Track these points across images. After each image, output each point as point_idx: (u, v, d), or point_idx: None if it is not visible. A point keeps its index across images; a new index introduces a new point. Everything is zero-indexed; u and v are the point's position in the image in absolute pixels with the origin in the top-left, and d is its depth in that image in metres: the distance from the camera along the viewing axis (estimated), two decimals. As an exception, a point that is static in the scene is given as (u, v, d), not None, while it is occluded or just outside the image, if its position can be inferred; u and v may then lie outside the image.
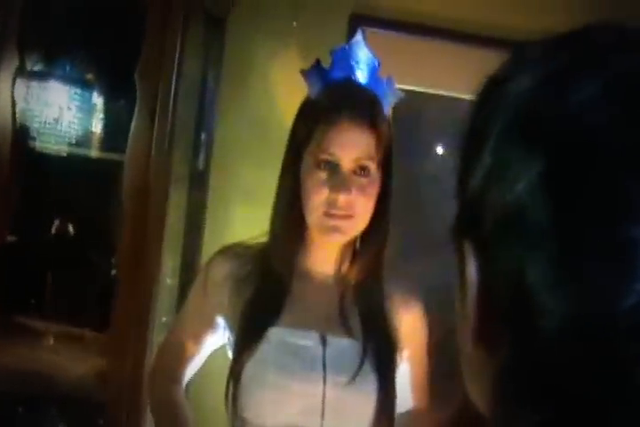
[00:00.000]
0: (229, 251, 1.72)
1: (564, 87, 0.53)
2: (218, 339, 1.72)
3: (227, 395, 1.60)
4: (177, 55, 2.20)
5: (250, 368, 1.57)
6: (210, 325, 1.70)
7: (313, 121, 1.58)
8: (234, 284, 1.66)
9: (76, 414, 2.31)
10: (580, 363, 0.51)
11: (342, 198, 1.55)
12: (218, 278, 1.68)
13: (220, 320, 1.68)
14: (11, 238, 2.54)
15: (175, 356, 1.77)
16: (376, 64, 1.66)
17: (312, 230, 1.64)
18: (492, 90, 0.58)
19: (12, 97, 2.35)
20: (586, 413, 0.51)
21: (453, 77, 2.66)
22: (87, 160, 2.51)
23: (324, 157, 1.56)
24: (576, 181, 0.50)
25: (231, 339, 1.66)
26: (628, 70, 0.53)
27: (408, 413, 1.76)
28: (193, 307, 1.76)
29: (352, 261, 1.68)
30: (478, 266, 0.57)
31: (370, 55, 1.66)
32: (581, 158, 0.50)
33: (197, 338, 1.73)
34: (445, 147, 2.91)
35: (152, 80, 2.19)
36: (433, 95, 2.74)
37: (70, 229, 2.60)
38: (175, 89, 2.21)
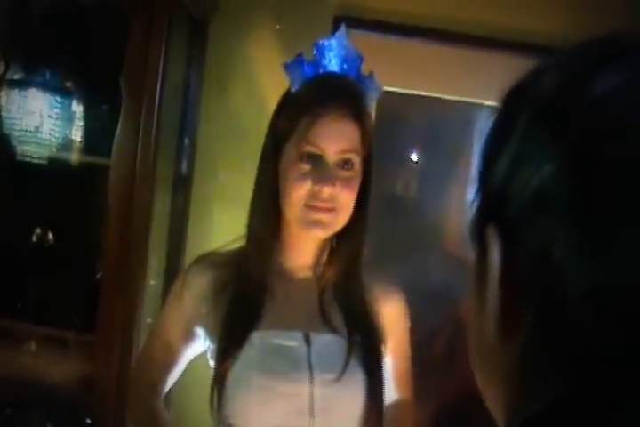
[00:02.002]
0: (204, 261, 1.70)
1: (591, 78, 0.56)
2: (197, 348, 1.70)
3: (211, 402, 1.58)
4: (162, 59, 2.21)
5: (234, 373, 1.55)
6: (188, 335, 1.68)
7: (295, 113, 1.55)
8: (212, 294, 1.64)
9: (62, 414, 2.31)
10: (605, 335, 0.53)
11: (326, 190, 1.53)
12: (195, 290, 1.66)
13: (199, 330, 1.67)
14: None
15: (153, 368, 1.74)
16: (359, 59, 1.64)
17: (292, 226, 1.62)
18: (522, 86, 0.62)
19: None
20: (611, 386, 0.53)
21: (439, 78, 2.69)
22: (68, 167, 2.51)
23: (308, 149, 1.54)
24: (602, 162, 0.53)
25: (212, 347, 1.64)
26: None
27: (393, 404, 1.76)
28: (170, 318, 1.72)
29: (330, 258, 1.67)
30: (503, 251, 0.59)
31: (353, 50, 1.64)
32: (607, 140, 0.53)
33: (175, 349, 1.71)
34: (420, 153, 2.92)
35: (137, 84, 2.20)
36: (417, 96, 2.75)
37: (50, 236, 2.60)
38: (160, 93, 2.22)
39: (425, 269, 2.67)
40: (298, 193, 1.55)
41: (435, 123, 2.82)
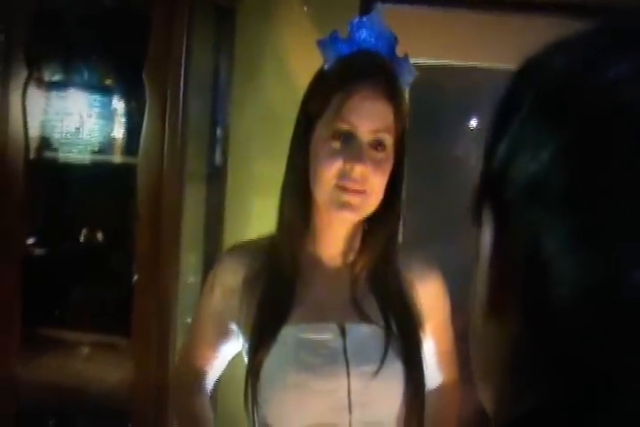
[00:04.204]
0: (238, 250, 1.67)
1: (599, 64, 0.54)
2: (234, 346, 1.67)
3: (246, 402, 1.55)
4: (184, 51, 2.17)
5: (268, 371, 1.52)
6: (224, 332, 1.65)
7: (328, 90, 1.51)
8: (244, 285, 1.61)
9: (105, 423, 2.31)
10: (589, 334, 0.52)
11: (358, 169, 1.48)
12: (226, 283, 1.63)
13: (233, 325, 1.63)
14: (39, 251, 2.55)
15: (193, 367, 1.73)
16: (393, 39, 1.59)
17: (322, 211, 1.57)
18: (531, 65, 0.61)
19: (24, 109, 2.33)
20: (595, 386, 0.52)
21: (475, 47, 2.62)
22: (110, 166, 2.50)
23: (341, 126, 1.49)
24: (601, 152, 0.52)
25: (245, 346, 1.61)
26: None
27: (437, 388, 1.72)
28: (204, 314, 1.70)
29: (362, 245, 1.61)
30: (495, 233, 0.59)
31: (387, 29, 1.59)
32: (608, 131, 0.52)
33: (212, 346, 1.69)
34: (477, 119, 2.87)
35: (160, 78, 2.16)
36: (457, 67, 2.69)
37: (99, 236, 2.60)
38: (184, 86, 2.18)
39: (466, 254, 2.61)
40: (328, 172, 1.50)
41: (490, 91, 2.77)
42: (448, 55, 2.69)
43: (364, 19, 1.59)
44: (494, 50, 2.54)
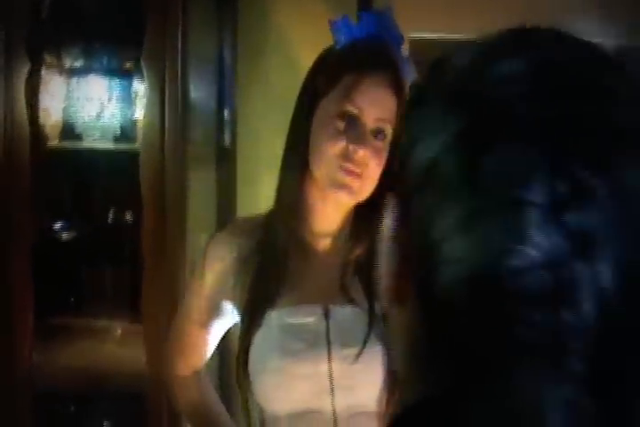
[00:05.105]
0: (233, 228, 1.67)
1: (491, 61, 0.58)
2: (227, 322, 1.66)
3: (238, 382, 1.56)
4: (179, 36, 2.16)
5: (253, 356, 1.52)
6: (216, 311, 1.64)
7: (340, 69, 1.50)
8: (238, 264, 1.59)
9: (123, 410, 2.33)
10: (472, 321, 0.54)
11: (361, 152, 1.47)
12: (219, 262, 1.61)
13: (227, 305, 1.62)
14: (67, 235, 2.59)
15: (187, 353, 1.72)
16: (400, 37, 1.59)
17: (317, 190, 1.56)
18: (437, 63, 0.64)
19: (28, 100, 2.37)
20: (479, 374, 0.54)
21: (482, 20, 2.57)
22: (132, 150, 2.51)
23: (349, 108, 1.48)
24: (485, 144, 0.55)
25: (239, 324, 1.61)
26: (553, 56, 0.58)
27: None
28: (196, 293, 1.68)
29: (354, 231, 1.59)
30: (396, 220, 0.62)
31: (396, 26, 1.58)
32: (493, 124, 0.55)
33: (205, 325, 1.67)
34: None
35: (157, 63, 2.16)
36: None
37: (128, 216, 2.63)
38: (182, 71, 2.17)
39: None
40: (331, 150, 1.49)
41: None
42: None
43: (375, 13, 1.60)
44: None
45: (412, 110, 0.64)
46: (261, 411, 1.56)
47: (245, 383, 1.55)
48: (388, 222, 0.62)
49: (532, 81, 0.56)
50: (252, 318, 1.54)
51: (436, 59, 0.65)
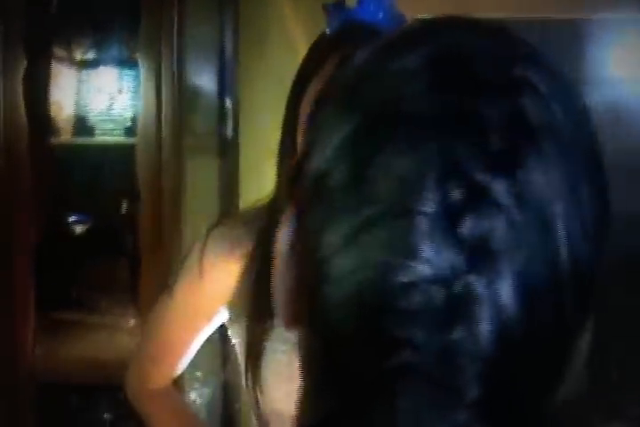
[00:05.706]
0: (231, 220, 1.59)
1: (386, 57, 0.54)
2: (216, 325, 1.52)
3: (247, 385, 1.44)
4: (175, 24, 2.14)
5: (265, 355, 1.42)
6: (208, 316, 1.49)
7: (325, 52, 1.43)
8: (239, 261, 1.44)
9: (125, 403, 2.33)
10: (356, 343, 0.50)
11: None
12: (219, 257, 1.46)
13: (224, 311, 1.48)
14: (80, 228, 2.60)
15: (164, 354, 1.55)
16: (402, 20, 1.51)
17: None
18: (342, 62, 0.63)
19: (26, 96, 2.37)
20: (363, 401, 0.50)
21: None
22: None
23: None
24: (374, 148, 0.50)
25: (239, 324, 1.46)
26: (455, 48, 0.53)
27: None
28: (185, 294, 1.50)
29: None
30: (292, 231, 0.56)
31: (398, 12, 1.53)
32: (383, 126, 0.50)
33: (191, 332, 1.52)
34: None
35: (153, 53, 2.15)
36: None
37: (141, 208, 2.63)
38: (179, 60, 2.16)
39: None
40: None
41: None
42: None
43: None
44: None
45: (312, 113, 0.60)
46: (266, 411, 1.46)
47: (257, 386, 1.43)
48: (280, 238, 0.56)
49: (428, 77, 0.51)
50: (260, 319, 1.41)
51: (344, 56, 0.62)
